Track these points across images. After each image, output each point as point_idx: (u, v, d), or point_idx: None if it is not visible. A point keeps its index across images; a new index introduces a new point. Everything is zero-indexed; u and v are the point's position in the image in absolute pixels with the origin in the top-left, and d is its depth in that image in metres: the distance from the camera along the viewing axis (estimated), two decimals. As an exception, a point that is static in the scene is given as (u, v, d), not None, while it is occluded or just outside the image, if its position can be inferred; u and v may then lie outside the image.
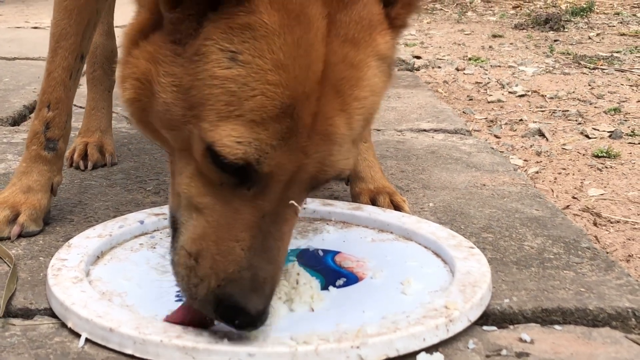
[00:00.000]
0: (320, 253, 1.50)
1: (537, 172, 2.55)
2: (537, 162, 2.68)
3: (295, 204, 1.12)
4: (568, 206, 2.21)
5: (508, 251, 1.57)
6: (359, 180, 1.84)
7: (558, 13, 6.50)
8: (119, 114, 2.60)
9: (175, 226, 1.18)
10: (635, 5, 7.59)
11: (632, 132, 3.03)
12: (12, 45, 4.77)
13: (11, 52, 4.43)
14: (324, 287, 1.33)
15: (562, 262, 1.52)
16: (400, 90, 3.47)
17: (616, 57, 4.84)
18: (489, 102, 3.67)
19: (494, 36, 5.93)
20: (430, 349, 1.16)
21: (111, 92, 2.28)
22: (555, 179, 2.49)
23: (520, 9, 7.64)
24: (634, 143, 2.90)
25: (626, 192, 2.34)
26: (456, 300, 1.25)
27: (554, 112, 3.44)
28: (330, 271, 1.42)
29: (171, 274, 1.18)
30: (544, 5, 7.78)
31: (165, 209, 1.61)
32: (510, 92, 3.88)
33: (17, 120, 2.81)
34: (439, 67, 4.62)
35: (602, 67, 4.51)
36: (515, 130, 3.14)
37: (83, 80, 2.35)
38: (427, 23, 6.91)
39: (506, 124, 3.24)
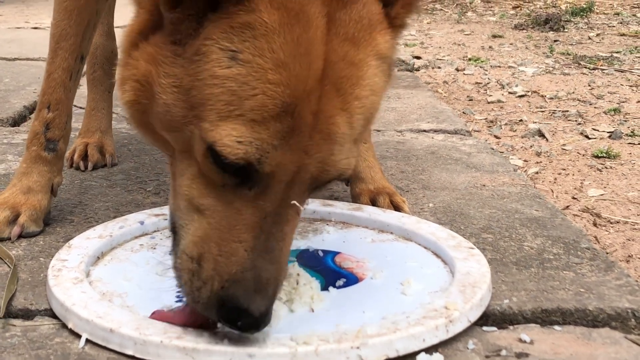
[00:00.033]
0: (320, 253, 1.50)
1: (537, 173, 2.55)
2: (537, 162, 2.68)
3: (297, 204, 1.12)
4: (568, 206, 2.21)
5: (508, 252, 1.58)
6: (359, 180, 1.84)
7: (558, 13, 6.51)
8: (119, 114, 2.60)
9: (175, 229, 1.18)
10: (635, 6, 7.60)
11: (631, 132, 3.03)
12: (12, 46, 4.78)
13: (11, 53, 4.43)
14: (324, 288, 1.34)
15: (562, 263, 1.52)
16: (400, 91, 3.47)
17: (616, 57, 4.84)
18: (488, 103, 3.67)
19: (494, 36, 5.94)
20: (430, 350, 1.17)
21: (111, 92, 2.28)
22: (555, 179, 2.49)
23: (520, 9, 7.65)
24: (634, 143, 2.90)
25: (626, 193, 2.34)
26: (456, 300, 1.25)
27: (553, 113, 3.44)
28: (330, 272, 1.42)
29: (171, 274, 1.18)
30: (544, 5, 7.78)
31: (166, 210, 1.61)
32: (510, 93, 3.88)
33: (17, 121, 2.81)
34: (439, 68, 4.62)
35: (602, 67, 4.51)
36: (515, 130, 3.14)
37: (83, 81, 2.36)
38: (427, 23, 6.92)
39: (506, 124, 3.24)
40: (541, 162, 2.68)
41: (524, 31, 6.15)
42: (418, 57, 4.89)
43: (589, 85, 4.00)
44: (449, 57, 5.02)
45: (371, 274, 1.41)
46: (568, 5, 7.37)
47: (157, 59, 1.11)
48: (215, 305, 1.07)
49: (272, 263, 1.08)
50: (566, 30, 6.14)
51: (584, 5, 6.91)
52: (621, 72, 4.38)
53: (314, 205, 1.72)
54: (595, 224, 2.09)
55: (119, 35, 1.26)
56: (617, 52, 5.02)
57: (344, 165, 1.12)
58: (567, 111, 3.43)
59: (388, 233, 1.64)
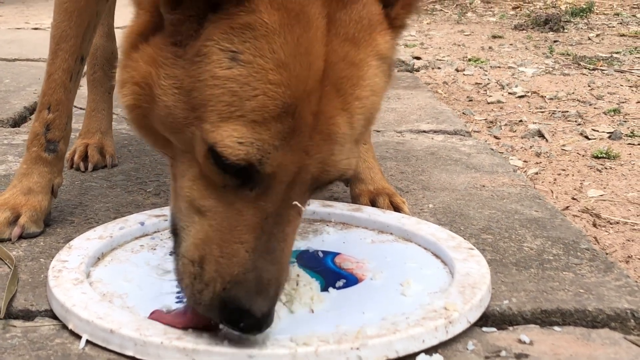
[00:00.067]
0: (320, 254, 1.51)
1: (536, 173, 2.55)
2: (537, 163, 2.68)
3: (298, 204, 1.12)
4: (567, 207, 2.22)
5: (507, 252, 1.58)
6: (358, 181, 1.84)
7: (558, 14, 6.51)
8: (119, 115, 2.60)
9: (176, 231, 1.18)
10: (634, 6, 7.60)
11: (631, 132, 3.04)
12: (13, 47, 4.78)
13: (11, 54, 4.44)
14: (324, 289, 1.34)
15: (562, 264, 1.52)
16: (400, 91, 3.48)
17: (616, 57, 4.85)
18: (488, 103, 3.67)
19: (494, 37, 5.94)
20: (429, 351, 1.17)
21: (111, 93, 2.29)
22: (555, 180, 2.49)
23: (520, 10, 7.65)
24: (634, 144, 2.90)
25: (625, 193, 2.34)
26: (455, 301, 1.25)
27: (553, 113, 3.44)
28: (330, 272, 1.42)
29: (171, 275, 1.19)
30: (544, 6, 7.78)
31: (166, 211, 1.62)
32: (510, 93, 3.88)
33: (17, 122, 2.81)
34: (439, 68, 4.62)
35: (601, 67, 4.51)
36: (515, 131, 3.15)
37: (83, 82, 2.36)
38: (427, 24, 6.92)
39: (506, 124, 3.25)
40: (541, 162, 2.68)
41: (524, 32, 6.15)
42: (418, 58, 4.89)
43: (589, 86, 4.00)
44: (448, 57, 5.02)
45: (371, 274, 1.41)
46: (568, 5, 7.37)
47: (158, 61, 1.11)
48: (218, 307, 1.07)
49: (274, 264, 1.08)
50: (566, 30, 6.14)
51: (584, 6, 6.91)
52: (621, 72, 4.38)
53: (313, 206, 1.72)
54: (594, 225, 2.09)
55: (119, 36, 1.27)
56: (616, 53, 5.03)
57: (345, 166, 1.12)
58: (567, 112, 3.43)
59: (388, 234, 1.64)
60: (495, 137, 3.04)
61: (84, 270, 1.37)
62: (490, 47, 5.43)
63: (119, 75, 1.17)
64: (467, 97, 3.82)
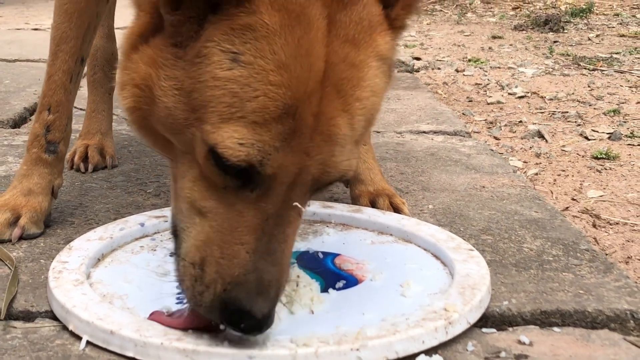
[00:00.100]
0: (320, 255, 1.51)
1: (536, 174, 2.55)
2: (537, 163, 2.68)
3: (299, 205, 1.12)
4: (567, 208, 2.22)
5: (507, 253, 1.58)
6: (358, 182, 1.85)
7: (557, 14, 6.51)
8: (120, 116, 2.60)
9: (177, 232, 1.18)
10: (634, 7, 7.60)
11: (631, 133, 3.04)
12: (13, 47, 4.78)
13: (11, 54, 4.44)
14: (324, 290, 1.34)
15: (561, 264, 1.52)
16: (400, 92, 3.48)
17: (615, 58, 4.85)
18: (488, 104, 3.67)
19: (494, 37, 5.94)
20: (429, 351, 1.17)
21: (112, 94, 2.29)
22: (555, 180, 2.49)
23: (520, 10, 7.65)
24: (633, 144, 2.90)
25: (625, 194, 2.35)
26: (455, 302, 1.25)
27: (553, 114, 3.45)
28: (330, 273, 1.42)
29: (172, 276, 1.19)
30: (544, 6, 7.79)
31: (166, 212, 1.62)
32: (509, 94, 3.89)
33: (17, 123, 2.82)
34: (439, 69, 4.62)
35: (601, 68, 4.51)
36: (515, 131, 3.15)
37: (83, 83, 2.36)
38: (427, 24, 6.92)
39: (506, 125, 3.25)
40: (541, 163, 2.68)
41: (524, 32, 6.16)
42: (418, 58, 4.90)
43: (589, 86, 4.01)
44: (448, 58, 5.02)
45: (371, 275, 1.41)
46: (568, 6, 7.38)
47: (158, 62, 1.11)
48: (218, 308, 1.07)
49: (274, 265, 1.09)
50: (566, 31, 6.14)
51: (584, 6, 6.91)
52: (621, 73, 4.38)
53: (313, 207, 1.72)
54: (594, 225, 2.09)
55: (119, 37, 1.27)
56: (616, 53, 5.03)
57: (345, 167, 1.12)
58: (567, 112, 3.44)
59: (388, 235, 1.64)
60: (495, 138, 3.04)
61: (84, 272, 1.37)
62: (490, 48, 5.43)
63: (119, 77, 1.17)
64: (467, 97, 3.82)
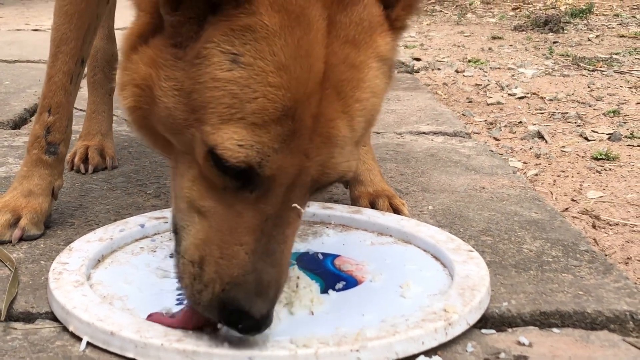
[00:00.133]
0: (320, 256, 1.51)
1: (536, 175, 2.55)
2: (536, 164, 2.68)
3: (298, 206, 1.12)
4: (567, 209, 2.22)
5: (507, 254, 1.58)
6: (358, 183, 1.85)
7: (557, 15, 6.51)
8: (120, 117, 2.61)
9: (177, 230, 1.19)
10: (634, 7, 7.60)
11: (631, 134, 3.04)
12: (13, 48, 4.78)
13: (12, 55, 4.44)
14: (324, 291, 1.34)
15: (561, 265, 1.53)
16: (400, 93, 3.48)
17: (615, 58, 4.85)
18: (488, 105, 3.68)
19: (494, 38, 5.94)
20: (429, 352, 1.17)
21: (112, 95, 2.29)
22: (555, 181, 2.49)
23: (520, 11, 7.65)
24: (633, 145, 2.91)
25: (625, 195, 2.35)
26: (455, 303, 1.26)
27: (553, 114, 3.45)
28: (330, 274, 1.43)
29: (172, 277, 1.19)
30: (544, 7, 7.79)
31: (166, 213, 1.62)
32: (509, 94, 3.89)
33: (17, 124, 2.82)
34: (439, 69, 4.62)
35: (601, 68, 4.51)
36: (515, 132, 3.15)
37: (83, 84, 2.36)
38: (427, 25, 6.93)
39: (505, 126, 3.25)
40: (540, 164, 2.69)
41: (524, 33, 6.16)
42: (418, 59, 4.90)
43: (589, 87, 4.01)
44: (448, 58, 5.03)
45: (370, 276, 1.42)
46: (567, 6, 7.38)
47: (158, 62, 1.11)
48: (217, 308, 1.08)
49: (274, 266, 1.09)
50: (565, 31, 6.14)
51: (584, 7, 6.92)
52: (620, 73, 4.38)
53: (313, 208, 1.72)
54: (594, 226, 2.09)
55: (119, 38, 1.27)
56: (616, 54, 5.03)
57: (345, 168, 1.12)
58: (567, 113, 3.44)
59: (387, 236, 1.64)
60: (495, 139, 3.04)
61: (85, 273, 1.37)
62: (490, 48, 5.44)
63: (120, 78, 1.18)
64: (467, 98, 3.82)
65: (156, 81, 1.11)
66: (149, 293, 1.33)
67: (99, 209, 1.84)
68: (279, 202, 1.09)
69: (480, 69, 4.64)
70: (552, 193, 2.37)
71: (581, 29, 6.28)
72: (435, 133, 2.72)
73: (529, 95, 3.87)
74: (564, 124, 3.28)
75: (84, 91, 2.40)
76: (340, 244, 1.60)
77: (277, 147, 1.04)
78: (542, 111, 3.52)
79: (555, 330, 1.29)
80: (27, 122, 2.87)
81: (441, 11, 7.88)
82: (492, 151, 2.51)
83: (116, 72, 1.21)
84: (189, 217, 1.15)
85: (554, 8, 7.52)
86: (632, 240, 1.99)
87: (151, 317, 1.20)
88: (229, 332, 1.12)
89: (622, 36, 5.91)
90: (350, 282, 1.40)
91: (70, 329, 1.22)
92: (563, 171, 2.60)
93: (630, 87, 4.00)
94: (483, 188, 2.06)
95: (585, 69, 4.53)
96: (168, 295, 1.29)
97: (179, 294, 1.28)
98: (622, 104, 3.61)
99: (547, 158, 2.75)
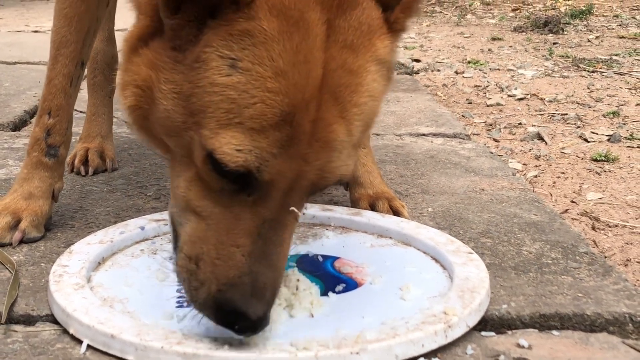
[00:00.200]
0: (320, 259, 1.51)
1: (535, 176, 2.56)
2: (536, 166, 2.69)
3: (295, 210, 1.12)
4: (567, 210, 2.22)
5: (506, 256, 1.58)
6: (358, 185, 1.85)
7: (557, 16, 6.52)
8: (120, 119, 2.61)
9: (175, 227, 1.20)
10: (634, 8, 7.61)
11: (630, 135, 3.04)
12: (13, 50, 4.79)
13: (12, 57, 4.44)
14: (324, 293, 1.34)
15: (560, 267, 1.53)
16: (400, 94, 3.48)
17: (615, 60, 4.85)
18: (488, 106, 3.68)
19: (493, 39, 5.95)
20: (429, 355, 1.17)
21: (112, 97, 2.29)
22: (554, 182, 2.49)
23: (520, 12, 7.66)
24: (633, 147, 2.91)
25: (624, 196, 2.35)
26: (455, 306, 1.26)
27: (552, 116, 3.45)
28: (330, 277, 1.43)
29: (172, 280, 1.19)
30: (543, 8, 7.79)
31: (166, 215, 1.62)
32: (509, 96, 3.89)
33: (18, 126, 2.82)
34: (438, 71, 4.63)
35: (601, 70, 4.52)
36: (514, 134, 3.15)
37: (84, 85, 2.36)
38: (427, 26, 6.93)
39: (505, 127, 3.25)
40: (540, 165, 2.69)
41: (523, 34, 6.17)
42: (417, 60, 4.90)
43: (588, 88, 4.01)
44: (448, 60, 5.03)
45: (370, 279, 1.42)
46: (567, 7, 7.38)
47: (157, 65, 1.12)
48: (213, 307, 1.09)
49: (270, 268, 1.09)
50: (565, 32, 6.15)
51: (583, 8, 6.92)
52: (620, 74, 4.39)
53: (313, 210, 1.72)
54: (593, 228, 2.09)
55: (120, 40, 1.27)
56: (616, 55, 5.04)
57: (343, 172, 1.13)
58: (566, 114, 3.44)
59: (387, 238, 1.64)
60: (495, 140, 3.04)
61: (85, 275, 1.38)
62: (489, 50, 5.44)
63: (121, 78, 1.18)
64: (467, 99, 3.83)
65: (156, 83, 1.11)
66: (149, 295, 1.33)
67: (99, 211, 1.84)
68: (277, 205, 1.10)
69: (479, 70, 4.64)
70: (551, 195, 2.37)
71: (581, 30, 6.28)
72: (434, 135, 2.73)
73: (528, 96, 3.87)
74: (564, 125, 3.29)
75: (84, 93, 2.40)
76: (340, 246, 1.60)
77: (276, 152, 1.04)
78: (542, 112, 3.53)
79: (554, 332, 1.29)
80: (27, 124, 2.88)
81: (441, 12, 7.89)
82: (491, 153, 2.52)
83: (116, 74, 1.21)
84: (185, 216, 1.16)
85: (553, 9, 7.53)
86: (631, 242, 1.99)
87: None
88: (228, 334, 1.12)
89: (622, 37, 5.91)
90: (350, 284, 1.40)
91: (71, 331, 1.22)
92: (563, 173, 2.60)
93: (630, 89, 4.01)
94: (483, 190, 2.06)
95: (585, 70, 4.53)
96: (168, 298, 1.29)
97: (180, 297, 1.28)
98: (622, 105, 3.62)
99: (547, 159, 2.75)
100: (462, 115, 3.44)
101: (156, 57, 1.12)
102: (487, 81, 4.26)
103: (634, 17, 7.05)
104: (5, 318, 1.28)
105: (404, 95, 3.47)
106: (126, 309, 1.28)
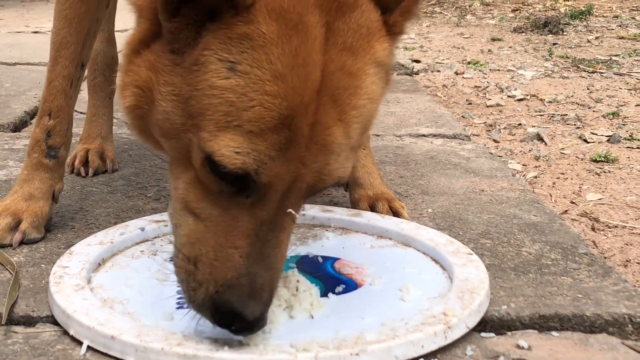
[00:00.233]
0: (320, 259, 1.51)
1: (535, 177, 2.56)
2: (536, 166, 2.69)
3: (293, 212, 1.13)
4: (566, 211, 2.22)
5: (506, 257, 1.59)
6: (357, 186, 1.85)
7: (557, 16, 6.52)
8: (120, 120, 2.61)
9: (174, 228, 1.20)
10: (634, 9, 7.61)
11: (630, 136, 3.04)
12: (13, 50, 4.79)
13: (12, 57, 4.44)
14: (324, 294, 1.34)
15: (560, 268, 1.53)
16: (400, 95, 3.48)
17: (615, 60, 4.86)
18: (487, 106, 3.68)
19: (493, 40, 5.95)
20: (428, 356, 1.17)
21: (112, 98, 2.29)
22: (554, 183, 2.50)
23: (520, 13, 7.66)
24: (632, 147, 2.91)
25: (624, 197, 2.35)
26: (454, 307, 1.26)
27: (552, 116, 3.45)
28: (330, 278, 1.43)
29: (172, 281, 1.20)
30: (543, 8, 7.80)
31: (166, 216, 1.62)
32: (509, 96, 3.89)
33: (18, 126, 2.82)
34: (438, 71, 4.63)
35: (600, 70, 4.52)
36: (514, 134, 3.15)
37: (84, 86, 2.37)
38: (427, 26, 6.93)
39: (505, 128, 3.25)
40: (540, 166, 2.69)
41: (523, 34, 6.17)
42: (417, 61, 4.90)
43: (588, 89, 4.01)
44: (448, 60, 5.03)
45: (370, 280, 1.42)
46: (567, 8, 7.39)
47: (157, 67, 1.12)
48: (210, 308, 1.09)
49: (268, 269, 1.10)
50: (565, 33, 6.15)
51: (583, 8, 6.92)
52: (620, 75, 4.39)
53: (313, 211, 1.73)
54: (593, 229, 2.09)
55: (120, 41, 1.27)
56: (615, 55, 5.04)
57: (341, 174, 1.14)
58: (566, 115, 3.44)
59: (387, 239, 1.64)
60: (495, 141, 3.04)
61: (85, 276, 1.38)
62: (489, 50, 5.44)
63: (121, 79, 1.18)
64: (467, 100, 3.83)
65: (156, 85, 1.12)
66: (149, 297, 1.34)
67: (100, 212, 1.84)
68: (274, 207, 1.10)
69: (479, 70, 4.64)
70: (551, 195, 2.37)
71: (581, 31, 6.28)
72: (434, 135, 2.73)
73: (528, 97, 3.87)
74: (564, 126, 3.29)
75: (84, 94, 2.40)
76: (340, 247, 1.60)
77: (274, 155, 1.04)
78: (542, 113, 3.53)
79: (554, 333, 1.30)
80: (28, 125, 2.88)
81: (441, 13, 7.89)
82: (491, 153, 2.52)
83: (116, 75, 1.21)
84: (184, 216, 1.16)
85: (553, 10, 7.53)
86: (631, 243, 1.99)
87: None
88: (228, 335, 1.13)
89: (622, 38, 5.92)
90: (350, 285, 1.40)
91: (71, 332, 1.22)
92: (562, 173, 2.60)
93: (629, 89, 4.01)
94: (482, 191, 2.06)
95: (584, 71, 4.53)
96: (169, 299, 1.30)
97: (179, 298, 1.28)
98: (622, 105, 3.62)
99: (547, 160, 2.75)
100: (462, 116, 3.45)
101: (156, 59, 1.13)
102: (487, 82, 4.26)
103: (633, 18, 7.05)
104: (5, 319, 1.28)
105: (404, 96, 3.47)
106: (126, 310, 1.28)
